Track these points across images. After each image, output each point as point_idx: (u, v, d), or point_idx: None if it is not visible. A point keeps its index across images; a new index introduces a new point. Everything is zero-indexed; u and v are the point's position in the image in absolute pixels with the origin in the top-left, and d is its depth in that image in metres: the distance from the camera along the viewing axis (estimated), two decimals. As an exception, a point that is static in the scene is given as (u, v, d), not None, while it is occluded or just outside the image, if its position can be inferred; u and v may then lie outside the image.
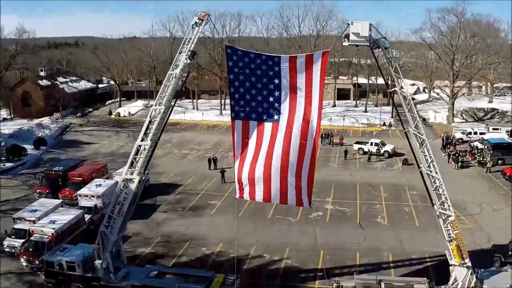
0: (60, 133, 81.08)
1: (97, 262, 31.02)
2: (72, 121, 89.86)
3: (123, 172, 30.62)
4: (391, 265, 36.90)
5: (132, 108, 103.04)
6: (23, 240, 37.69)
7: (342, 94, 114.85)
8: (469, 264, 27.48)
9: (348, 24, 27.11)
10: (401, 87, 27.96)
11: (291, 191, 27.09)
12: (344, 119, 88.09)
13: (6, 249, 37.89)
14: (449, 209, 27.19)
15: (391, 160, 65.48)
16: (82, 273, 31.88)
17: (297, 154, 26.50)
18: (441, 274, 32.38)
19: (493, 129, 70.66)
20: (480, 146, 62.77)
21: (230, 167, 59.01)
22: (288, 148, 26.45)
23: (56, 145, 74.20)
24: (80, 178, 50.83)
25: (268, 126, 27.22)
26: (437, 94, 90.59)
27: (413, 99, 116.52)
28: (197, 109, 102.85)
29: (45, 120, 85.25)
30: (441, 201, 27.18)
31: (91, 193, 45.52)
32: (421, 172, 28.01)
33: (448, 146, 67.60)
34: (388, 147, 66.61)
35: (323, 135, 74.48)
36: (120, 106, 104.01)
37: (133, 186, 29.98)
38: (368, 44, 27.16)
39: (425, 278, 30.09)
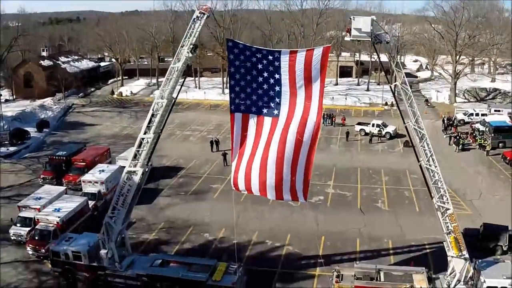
0: (63, 114, 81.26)
1: (103, 251, 31.62)
2: (75, 101, 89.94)
3: (127, 165, 30.92)
4: (391, 252, 37.53)
5: (134, 87, 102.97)
6: (29, 228, 38.34)
7: (344, 72, 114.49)
8: (467, 255, 27.99)
9: (350, 18, 27.10)
10: (402, 82, 28.01)
11: (286, 186, 27.28)
12: (346, 99, 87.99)
13: (13, 237, 38.55)
14: (447, 202, 27.57)
15: (392, 142, 65.72)
16: (88, 263, 32.56)
17: (292, 150, 26.59)
18: (439, 262, 32.97)
19: (495, 110, 70.59)
20: (481, 128, 62.86)
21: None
22: (284, 143, 26.53)
23: (59, 127, 74.54)
24: (84, 163, 51.25)
25: (268, 120, 27.33)
26: (440, 74, 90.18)
27: (416, 76, 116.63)
28: (199, 88, 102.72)
29: (48, 101, 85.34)
30: (440, 194, 27.55)
31: (95, 179, 46.00)
32: (420, 166, 28.33)
33: (450, 127, 67.67)
34: (390, 129, 66.78)
35: (325, 116, 74.56)
36: (122, 85, 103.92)
37: (136, 178, 30.42)
38: (370, 39, 27.22)
39: (424, 268, 30.66)
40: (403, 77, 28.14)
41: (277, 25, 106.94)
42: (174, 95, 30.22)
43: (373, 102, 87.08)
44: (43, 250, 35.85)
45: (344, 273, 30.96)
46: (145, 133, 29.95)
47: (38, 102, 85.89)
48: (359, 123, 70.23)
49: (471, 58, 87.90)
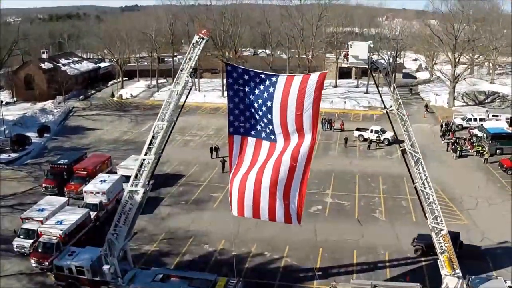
0: (64, 118, 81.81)
1: (105, 267, 32.38)
2: (75, 104, 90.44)
3: (128, 185, 31.53)
4: (387, 264, 38.19)
5: (134, 89, 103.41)
6: (32, 240, 39.04)
7: (343, 72, 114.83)
8: (460, 274, 28.73)
9: (348, 45, 27.71)
10: (398, 108, 28.68)
11: (279, 209, 28.03)
12: (345, 102, 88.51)
13: (16, 249, 39.25)
14: (441, 223, 28.28)
15: (390, 148, 66.31)
16: (91, 277, 33.32)
17: (286, 175, 27.18)
18: (434, 274, 33.56)
19: (493, 115, 71.14)
20: (479, 134, 63.45)
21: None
22: (278, 168, 27.07)
23: (60, 132, 75.08)
24: (85, 172, 51.93)
25: (266, 144, 27.92)
26: (438, 78, 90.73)
27: (415, 77, 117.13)
28: (199, 90, 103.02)
29: (48, 104, 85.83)
30: (434, 215, 28.30)
31: (96, 189, 46.64)
32: (415, 188, 28.99)
33: (448, 133, 68.26)
34: (388, 135, 67.33)
35: (324, 121, 75.22)
36: (122, 87, 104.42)
37: (138, 197, 31.11)
38: (367, 66, 27.85)
39: (418, 284, 31.42)
40: (400, 102, 28.71)
41: (276, 24, 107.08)
42: (174, 118, 30.76)
43: (372, 106, 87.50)
44: (47, 263, 36.56)
45: (341, 287, 31.72)
46: (145, 154, 30.53)
47: (39, 105, 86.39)
48: (358, 129, 70.80)
49: (469, 62, 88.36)
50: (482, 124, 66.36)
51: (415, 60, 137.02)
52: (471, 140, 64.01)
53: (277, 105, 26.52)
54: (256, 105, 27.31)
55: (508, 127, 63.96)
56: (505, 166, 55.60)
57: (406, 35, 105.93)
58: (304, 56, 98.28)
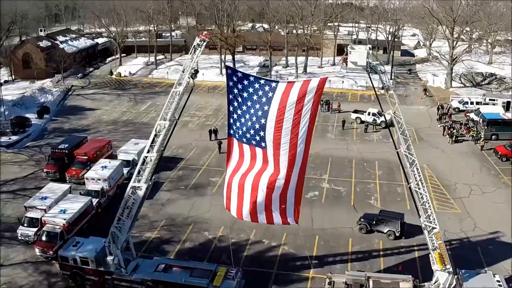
0: (63, 98, 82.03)
1: (109, 258, 33.45)
2: (74, 83, 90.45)
3: (131, 181, 32.25)
4: (381, 253, 39.51)
5: (132, 67, 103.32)
6: (36, 229, 40.10)
7: (342, 50, 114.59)
8: (451, 269, 29.92)
9: (347, 49, 28.17)
10: (395, 112, 29.40)
11: (275, 214, 29.08)
12: (343, 82, 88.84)
13: (20, 238, 40.32)
14: (434, 222, 29.32)
15: (387, 131, 66.99)
16: (95, 268, 34.46)
17: (282, 184, 27.88)
18: (426, 264, 34.70)
19: (490, 99, 71.70)
20: (475, 118, 64.22)
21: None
22: (275, 177, 27.65)
23: (59, 112, 75.44)
24: (86, 157, 52.65)
25: (259, 151, 27.92)
26: (436, 58, 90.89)
27: (413, 55, 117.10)
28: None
29: (47, 83, 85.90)
30: (427, 214, 29.33)
31: (98, 176, 47.43)
32: (410, 188, 29.95)
33: (444, 116, 68.96)
34: (386, 116, 67.85)
35: (322, 102, 75.72)
36: (120, 64, 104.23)
37: (141, 193, 31.99)
38: (366, 71, 28.48)
39: (410, 276, 32.65)
40: (397, 106, 29.45)
41: (274, 4, 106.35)
42: (177, 116, 31.39)
43: (370, 86, 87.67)
44: (51, 252, 37.70)
45: (336, 279, 32.94)
46: (148, 152, 31.26)
47: (38, 83, 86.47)
48: (355, 111, 71.42)
49: (468, 43, 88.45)
50: (478, 108, 66.96)
51: (414, 35, 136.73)
52: (467, 125, 64.77)
53: (274, 110, 26.37)
54: (252, 110, 27.21)
55: (504, 113, 64.60)
56: (499, 153, 56.45)
57: (405, 14, 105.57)
58: (301, 31, 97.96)
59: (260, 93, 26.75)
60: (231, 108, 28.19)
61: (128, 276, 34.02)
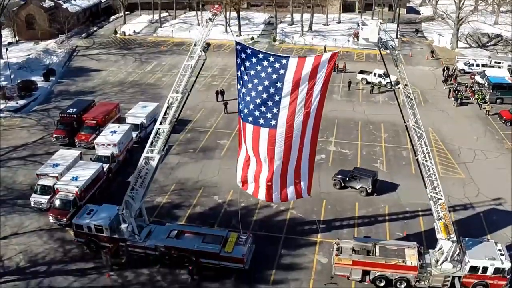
0: (68, 59, 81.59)
1: (123, 226, 34.51)
2: (78, 43, 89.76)
3: (145, 150, 32.80)
4: (387, 218, 40.53)
5: (136, 25, 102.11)
6: (49, 196, 40.99)
7: (347, 6, 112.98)
8: (454, 238, 30.87)
9: (358, 24, 28.19)
10: (405, 86, 29.61)
11: (291, 190, 29.79)
12: (349, 41, 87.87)
13: (34, 205, 41.23)
14: (440, 193, 30.05)
15: (393, 93, 67.06)
16: (110, 235, 35.55)
17: (295, 159, 28.38)
18: (430, 229, 35.87)
19: (495, 62, 71.10)
20: (481, 81, 64.12)
21: (235, 98, 60.83)
22: (288, 154, 27.99)
23: (65, 74, 75.27)
24: (95, 122, 53.05)
25: (264, 131, 27.82)
26: (442, 18, 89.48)
27: (419, 12, 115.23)
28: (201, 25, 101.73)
29: (51, 44, 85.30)
30: (433, 186, 30.05)
31: (108, 141, 47.87)
32: (417, 160, 30.53)
33: (450, 79, 68.72)
34: (392, 79, 67.70)
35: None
36: (124, 23, 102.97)
37: (154, 163, 32.69)
38: (377, 47, 28.62)
39: (415, 243, 33.70)
40: (406, 81, 29.62)
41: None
42: (189, 88, 31.69)
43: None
44: (65, 219, 38.75)
45: (344, 245, 33.97)
46: (161, 123, 31.74)
47: (42, 44, 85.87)
48: (361, 72, 71.12)
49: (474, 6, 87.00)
50: (484, 71, 66.72)
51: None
52: (472, 88, 64.73)
53: (288, 86, 26.51)
54: (260, 87, 27.02)
55: (510, 77, 64.33)
56: (504, 118, 56.73)
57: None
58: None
59: (270, 70, 26.62)
60: (238, 86, 28.12)
61: (142, 243, 35.17)
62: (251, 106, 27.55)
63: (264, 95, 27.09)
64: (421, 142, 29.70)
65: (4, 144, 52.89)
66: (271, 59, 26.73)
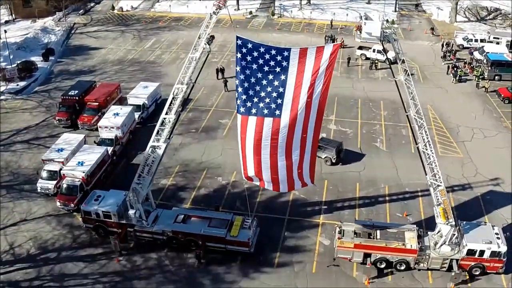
0: (66, 37, 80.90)
1: (131, 212, 35.43)
2: (76, 20, 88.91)
3: (151, 139, 33.39)
4: (387, 198, 41.54)
5: (134, 0, 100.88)
6: (55, 182, 41.74)
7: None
8: (453, 223, 31.91)
9: (361, 17, 28.53)
10: (406, 78, 30.08)
11: (296, 179, 30.57)
12: (347, 15, 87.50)
13: (40, 191, 41.99)
14: (439, 180, 30.95)
15: (392, 68, 67.25)
16: (118, 221, 36.48)
17: (299, 148, 29.03)
18: (429, 209, 37.06)
19: (494, 38, 70.94)
20: (479, 57, 64.37)
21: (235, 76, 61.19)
22: (291, 143, 28.59)
23: (64, 53, 74.86)
24: (97, 103, 53.31)
25: (268, 121, 28.16)
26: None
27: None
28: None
29: (49, 22, 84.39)
30: (433, 173, 30.93)
31: (111, 124, 48.33)
32: (418, 148, 31.27)
33: (449, 54, 68.84)
34: (390, 55, 67.67)
35: (327, 37, 75.29)
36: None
37: (160, 151, 33.43)
38: (380, 41, 29.05)
39: (415, 226, 34.82)
40: (408, 72, 30.07)
41: None
42: (193, 78, 32.15)
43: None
44: (72, 205, 39.66)
45: (345, 228, 35.02)
46: (166, 114, 32.29)
47: (39, 22, 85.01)
48: (360, 47, 71.07)
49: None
50: (483, 47, 66.84)
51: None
52: (471, 64, 65.00)
53: (292, 76, 27.00)
54: (264, 82, 27.43)
55: (508, 54, 64.44)
56: (502, 95, 57.17)
57: None
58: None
59: (272, 63, 26.98)
60: (237, 81, 27.97)
61: (150, 228, 36.18)
62: (255, 99, 27.88)
63: (269, 88, 27.52)
64: (421, 131, 30.41)
65: (7, 127, 53.30)
66: (273, 52, 26.97)
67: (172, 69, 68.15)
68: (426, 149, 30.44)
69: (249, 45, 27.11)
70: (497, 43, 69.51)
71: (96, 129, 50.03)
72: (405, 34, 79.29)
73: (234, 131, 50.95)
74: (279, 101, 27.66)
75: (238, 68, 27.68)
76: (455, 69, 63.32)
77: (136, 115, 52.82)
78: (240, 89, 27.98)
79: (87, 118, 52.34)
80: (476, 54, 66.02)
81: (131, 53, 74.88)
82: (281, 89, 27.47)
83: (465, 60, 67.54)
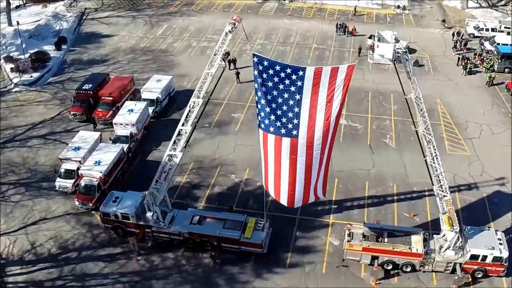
0: (78, 23, 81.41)
1: (148, 214, 36.90)
2: (86, 4, 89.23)
3: (168, 148, 34.60)
4: (395, 198, 42.70)
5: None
6: (73, 180, 43.16)
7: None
8: (457, 229, 33.17)
9: (372, 36, 29.08)
10: (417, 96, 30.85)
11: (311, 194, 31.86)
12: (358, 0, 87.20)
13: (59, 189, 43.45)
14: (445, 191, 32.17)
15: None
16: (136, 222, 38.00)
17: (317, 167, 30.10)
18: (436, 210, 37.94)
19: (505, 27, 70.49)
20: (489, 47, 64.44)
21: (246, 66, 61.91)
22: (310, 162, 29.54)
23: (76, 41, 75.32)
24: (111, 98, 54.23)
25: (286, 140, 29.01)
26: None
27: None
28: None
29: (60, 7, 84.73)
30: (440, 184, 32.09)
31: (126, 121, 49.28)
32: (426, 161, 32.27)
33: (460, 44, 68.82)
34: (401, 44, 67.90)
35: (338, 25, 75.40)
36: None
37: (176, 160, 34.67)
38: (392, 62, 29.70)
39: (421, 229, 36.19)
40: (418, 92, 30.81)
41: None
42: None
43: (385, 4, 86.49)
44: (91, 204, 41.16)
45: (355, 231, 36.38)
46: (183, 125, 33.42)
47: (50, 7, 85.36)
48: (371, 36, 70.94)
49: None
50: (493, 37, 66.78)
51: None
52: (481, 56, 65.10)
53: (307, 97, 27.51)
54: (279, 100, 28.04)
55: None
56: (511, 90, 57.51)
57: None
58: None
59: (287, 82, 27.52)
60: (256, 98, 28.87)
61: (166, 229, 37.72)
62: (272, 117, 28.58)
63: (284, 107, 28.17)
64: (429, 146, 31.35)
65: (22, 121, 54.29)
66: (288, 70, 27.42)
67: (184, 58, 68.81)
68: (434, 163, 31.49)
69: (265, 63, 27.66)
70: (508, 33, 69.28)
71: (111, 123, 51.07)
72: (416, 21, 79.16)
73: (246, 126, 52.51)
74: (295, 121, 28.32)
75: (256, 85, 28.49)
76: (465, 61, 63.47)
77: (150, 109, 53.68)
78: (259, 106, 28.87)
79: (101, 113, 53.20)
80: (487, 45, 66.05)
81: (143, 40, 75.29)
82: (296, 109, 28.08)
83: (475, 51, 67.57)
